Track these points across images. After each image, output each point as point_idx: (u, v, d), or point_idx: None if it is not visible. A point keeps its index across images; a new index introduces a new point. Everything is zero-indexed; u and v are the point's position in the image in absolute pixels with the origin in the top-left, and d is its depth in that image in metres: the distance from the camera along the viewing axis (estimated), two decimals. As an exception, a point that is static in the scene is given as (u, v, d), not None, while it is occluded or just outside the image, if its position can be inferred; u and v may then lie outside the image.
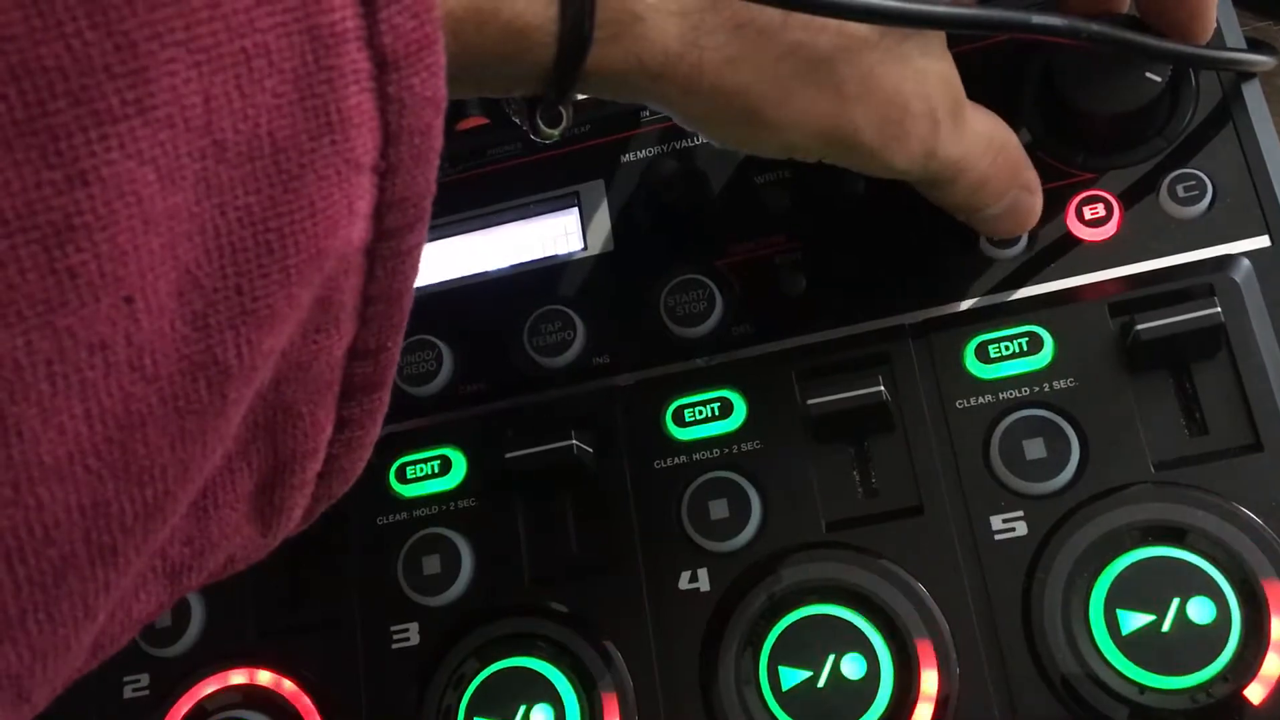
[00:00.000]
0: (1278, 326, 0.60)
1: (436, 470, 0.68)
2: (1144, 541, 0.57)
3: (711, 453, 0.65)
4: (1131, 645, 0.56)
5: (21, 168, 0.27)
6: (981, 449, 0.61)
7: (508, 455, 0.65)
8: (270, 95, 0.30)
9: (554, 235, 0.73)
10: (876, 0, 0.47)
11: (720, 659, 0.61)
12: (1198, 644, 0.55)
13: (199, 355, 0.31)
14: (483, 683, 0.63)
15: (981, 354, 0.62)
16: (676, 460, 0.65)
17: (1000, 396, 0.62)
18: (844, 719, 0.58)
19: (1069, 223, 0.64)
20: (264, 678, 0.66)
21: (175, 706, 0.66)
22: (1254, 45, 0.64)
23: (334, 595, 0.67)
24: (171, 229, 0.29)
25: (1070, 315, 0.62)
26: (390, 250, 0.35)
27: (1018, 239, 0.64)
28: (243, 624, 0.68)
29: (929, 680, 0.58)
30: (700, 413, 0.65)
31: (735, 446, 0.65)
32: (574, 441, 0.64)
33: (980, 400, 0.62)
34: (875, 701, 0.58)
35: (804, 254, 0.68)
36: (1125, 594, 0.56)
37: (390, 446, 0.68)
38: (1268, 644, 0.54)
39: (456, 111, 0.80)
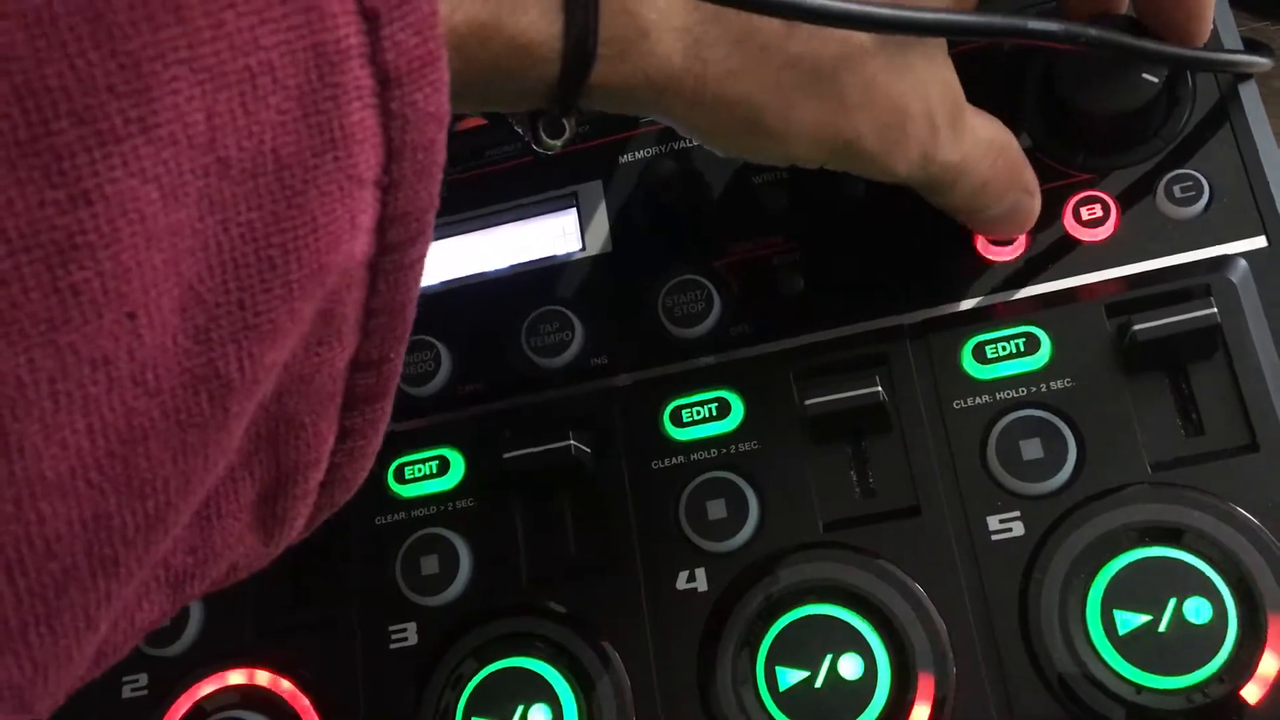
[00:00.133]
0: (1274, 327, 0.60)
1: (435, 470, 0.68)
2: (1141, 542, 0.58)
3: (709, 453, 0.65)
4: (1128, 645, 0.56)
5: (25, 187, 0.27)
6: (979, 449, 0.61)
7: (506, 455, 0.65)
8: (274, 112, 0.31)
9: (552, 236, 0.73)
10: (875, 9, 0.47)
11: (718, 659, 0.61)
12: (1194, 644, 0.55)
13: (201, 369, 0.31)
14: (481, 683, 0.63)
15: (979, 354, 0.62)
16: (674, 460, 0.65)
17: (997, 397, 0.62)
18: (841, 719, 0.59)
19: (1066, 223, 0.64)
20: (262, 678, 0.66)
21: (174, 706, 0.67)
22: (1251, 46, 0.64)
23: (332, 595, 0.67)
24: (174, 245, 0.29)
25: (1067, 316, 0.62)
26: (392, 264, 0.35)
27: (1014, 239, 0.64)
28: (241, 624, 0.68)
29: (926, 681, 0.58)
30: (698, 413, 0.65)
31: (733, 447, 0.65)
32: (572, 442, 0.64)
33: (977, 401, 0.62)
34: (872, 701, 0.58)
35: (802, 254, 0.68)
36: (1122, 594, 0.56)
37: (389, 447, 0.68)
38: (1264, 644, 0.54)
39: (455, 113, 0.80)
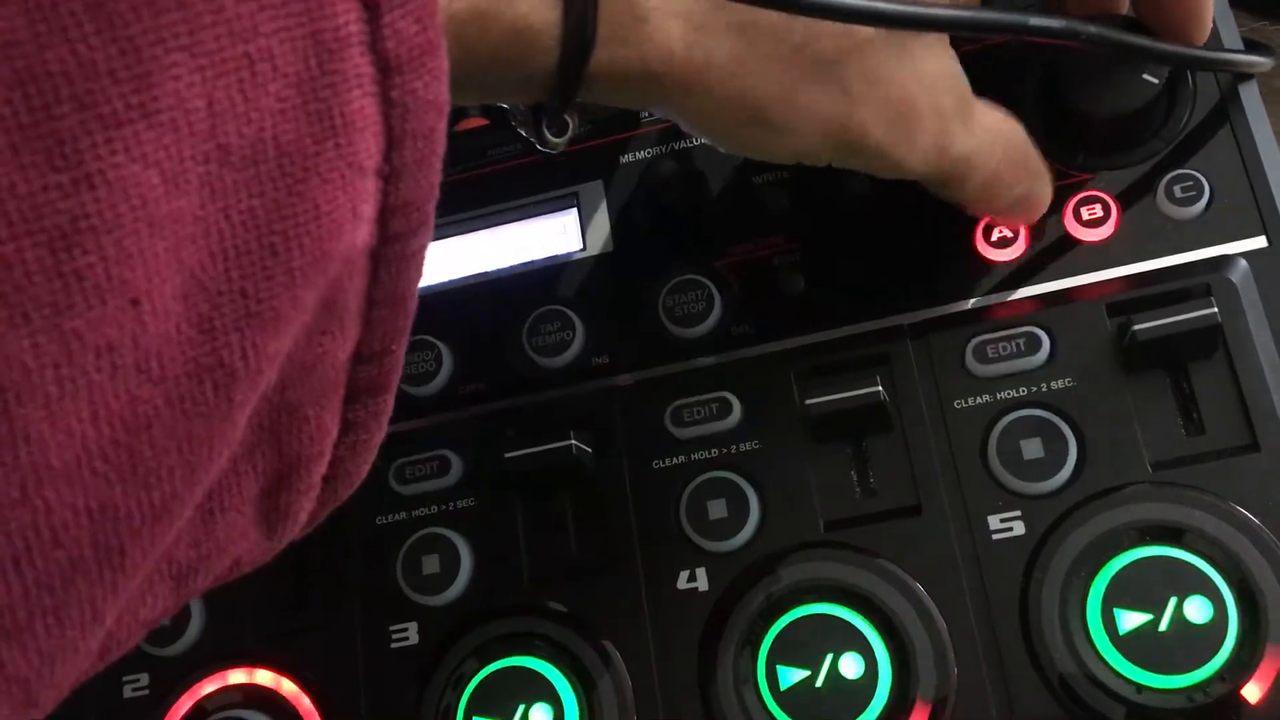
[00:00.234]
0: (1274, 327, 0.60)
1: (435, 470, 0.68)
2: (1141, 541, 0.58)
3: (710, 453, 0.65)
4: (1129, 644, 0.56)
5: (27, 171, 0.27)
6: (979, 449, 0.61)
7: (507, 455, 0.65)
8: (274, 99, 0.31)
9: (553, 236, 0.73)
10: (875, 3, 0.47)
11: (718, 658, 0.61)
12: (1195, 643, 0.55)
13: (205, 358, 0.31)
14: (482, 682, 0.63)
15: (979, 354, 0.62)
16: (675, 460, 0.65)
17: (998, 396, 0.62)
18: (842, 718, 0.58)
19: (1067, 223, 0.64)
20: (263, 677, 0.66)
21: (175, 706, 0.67)
22: (1251, 46, 0.64)
23: (333, 595, 0.67)
24: (176, 232, 0.29)
25: (1068, 315, 0.62)
26: (394, 254, 0.36)
27: (1015, 239, 0.64)
28: (242, 624, 0.68)
29: (927, 680, 0.58)
30: (699, 413, 0.65)
31: (734, 446, 0.65)
32: (573, 441, 0.64)
33: (978, 400, 0.62)
34: (873, 701, 0.58)
35: (803, 254, 0.68)
36: (1122, 593, 0.56)
37: (390, 446, 0.68)
38: (1264, 643, 0.54)
39: (456, 112, 0.80)
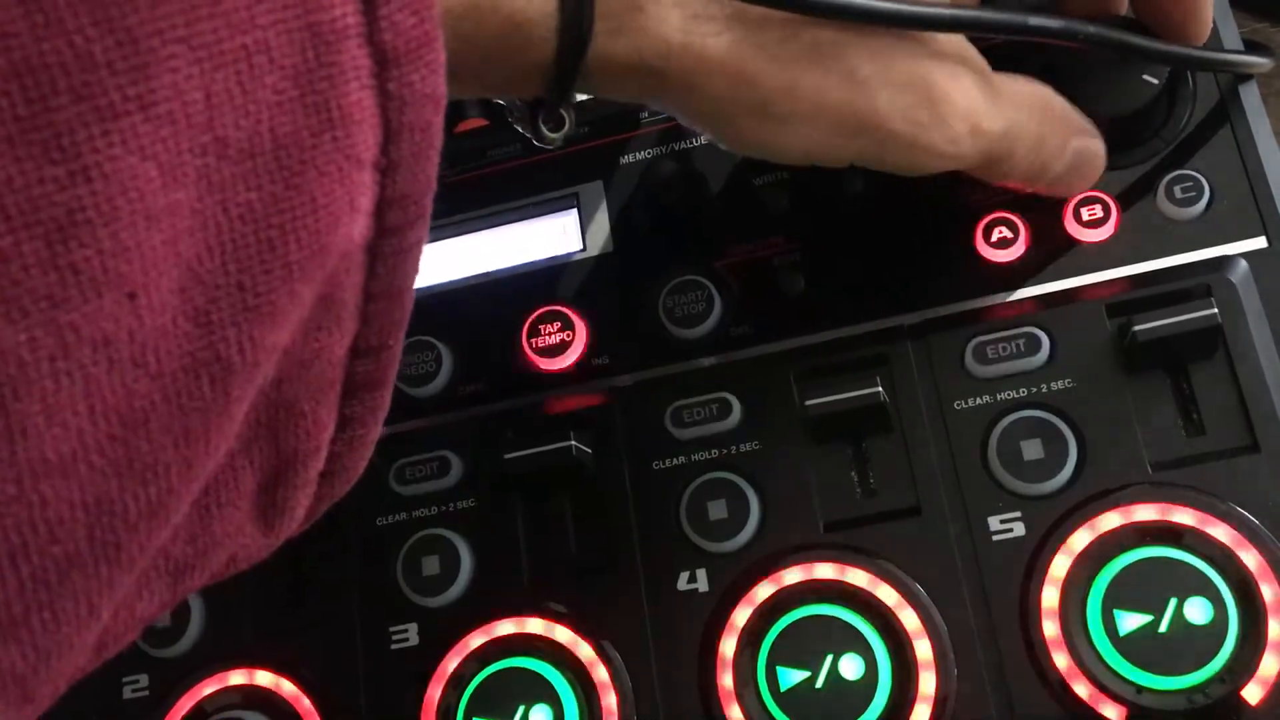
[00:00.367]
0: (1274, 327, 0.60)
1: (435, 471, 0.68)
2: (1141, 542, 0.57)
3: (710, 453, 0.65)
4: (1129, 645, 0.56)
5: (24, 163, 0.27)
6: (979, 450, 0.61)
7: (507, 456, 0.65)
8: (271, 92, 0.31)
9: (553, 236, 0.73)
10: (874, 2, 0.47)
11: (719, 659, 0.61)
12: (1195, 644, 0.55)
13: (202, 352, 0.31)
14: (482, 683, 0.63)
15: (979, 355, 0.62)
16: (675, 461, 0.65)
17: (998, 397, 0.62)
18: (842, 719, 0.58)
19: (1067, 223, 0.64)
20: (263, 678, 0.66)
21: (175, 707, 0.66)
22: (1251, 47, 0.64)
23: (333, 596, 0.67)
24: (174, 225, 0.29)
25: (1068, 316, 0.62)
26: (391, 247, 0.36)
27: (1015, 240, 0.64)
28: (242, 625, 0.68)
29: (927, 681, 0.58)
30: (699, 413, 0.65)
31: (734, 447, 0.65)
32: (573, 442, 0.64)
33: (978, 401, 0.62)
34: (873, 702, 0.58)
35: (803, 255, 0.68)
36: (1123, 594, 0.56)
37: (389, 447, 0.68)
38: (1265, 644, 0.54)
39: (456, 113, 0.80)
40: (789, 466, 0.63)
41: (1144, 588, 0.56)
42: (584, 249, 0.72)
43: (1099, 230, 0.63)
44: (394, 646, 0.66)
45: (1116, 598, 0.56)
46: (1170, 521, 0.57)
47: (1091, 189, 0.64)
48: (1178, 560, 0.56)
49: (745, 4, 0.47)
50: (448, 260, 0.74)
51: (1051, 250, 0.64)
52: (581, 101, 0.49)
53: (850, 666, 0.59)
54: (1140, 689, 0.55)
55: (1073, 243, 0.64)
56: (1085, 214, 0.64)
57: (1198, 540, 0.57)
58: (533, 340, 0.70)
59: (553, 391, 0.69)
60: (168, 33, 0.28)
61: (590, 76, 0.47)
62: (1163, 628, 0.56)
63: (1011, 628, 0.58)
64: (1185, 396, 0.60)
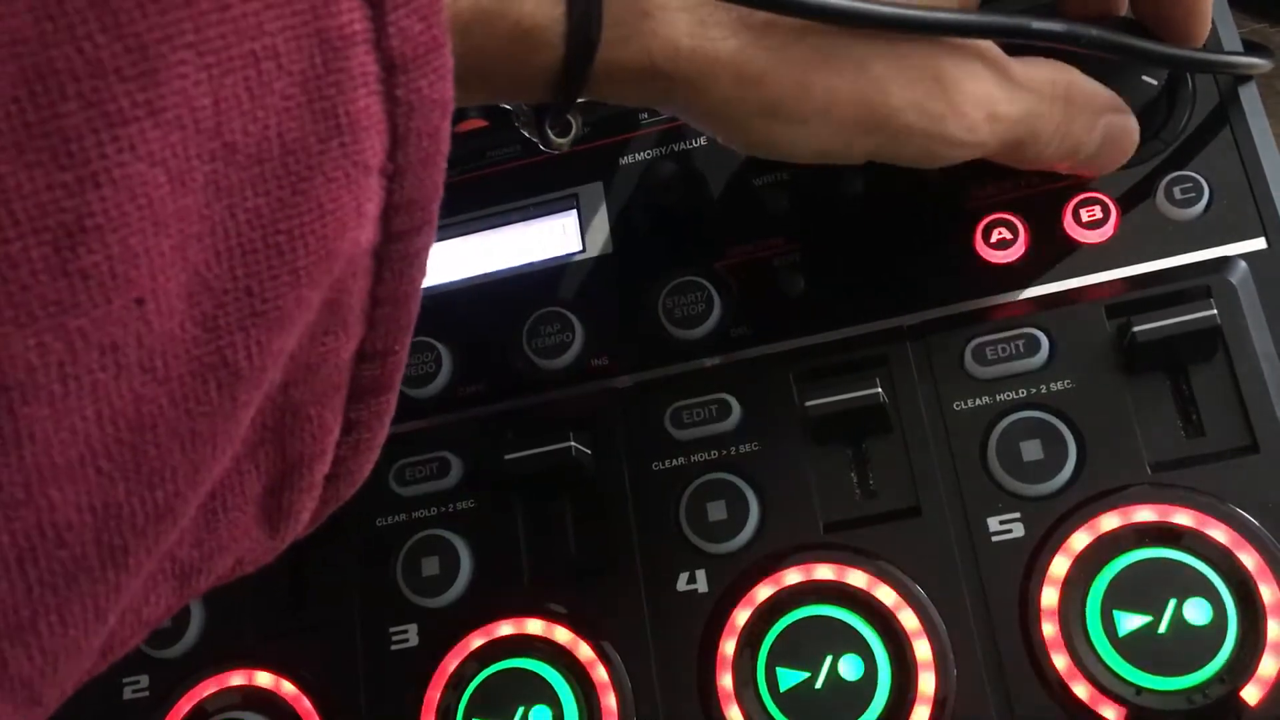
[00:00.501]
0: (1274, 328, 0.60)
1: (435, 472, 0.68)
2: (1141, 543, 0.57)
3: (710, 454, 0.65)
4: (1128, 646, 0.56)
5: (33, 169, 0.27)
6: (979, 450, 0.61)
7: (506, 457, 0.65)
8: (279, 98, 0.31)
9: (553, 237, 0.73)
10: (878, 7, 0.47)
11: (718, 660, 0.61)
12: (1194, 645, 0.55)
13: (209, 357, 0.31)
14: (481, 684, 0.63)
15: (979, 355, 0.62)
16: (675, 462, 0.65)
17: (998, 398, 0.62)
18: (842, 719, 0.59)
19: (1066, 225, 0.64)
20: (263, 679, 0.66)
21: (175, 708, 0.66)
22: (1250, 48, 0.64)
23: (333, 597, 0.68)
24: (182, 231, 0.29)
25: (1067, 317, 0.62)
26: (398, 253, 0.36)
27: (1014, 240, 0.64)
28: (242, 625, 0.68)
29: (926, 681, 0.58)
30: (698, 414, 0.65)
31: (733, 448, 0.65)
32: (572, 443, 0.64)
33: (977, 402, 0.62)
34: (873, 703, 0.58)
35: (802, 256, 0.68)
36: (1122, 595, 0.56)
37: (389, 447, 0.68)
38: (1264, 645, 0.54)
39: (456, 114, 0.80)
40: (789, 467, 0.63)
41: (1143, 588, 0.56)
42: (583, 250, 0.72)
43: (1098, 231, 0.64)
44: (394, 647, 0.66)
45: (1116, 598, 0.56)
46: (1169, 522, 0.57)
47: (1091, 190, 0.64)
48: (1177, 561, 0.56)
49: (750, 9, 0.47)
50: (448, 261, 0.74)
51: (1051, 251, 0.64)
52: (582, 103, 0.49)
53: (850, 667, 0.59)
54: (1139, 689, 0.55)
55: (1072, 244, 0.64)
56: (1085, 215, 0.64)
57: (1197, 541, 0.57)
58: (532, 341, 0.70)
59: (552, 392, 0.69)
60: (176, 39, 0.28)
61: (597, 82, 0.47)
62: (1162, 628, 0.56)
63: (1011, 628, 0.58)
64: (1185, 397, 0.60)
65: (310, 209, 0.32)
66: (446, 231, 0.74)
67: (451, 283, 0.74)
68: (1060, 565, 0.58)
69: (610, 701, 0.62)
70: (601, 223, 0.72)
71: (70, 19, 0.27)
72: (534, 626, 0.64)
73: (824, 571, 0.61)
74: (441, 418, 0.71)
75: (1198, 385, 0.60)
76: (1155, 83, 0.62)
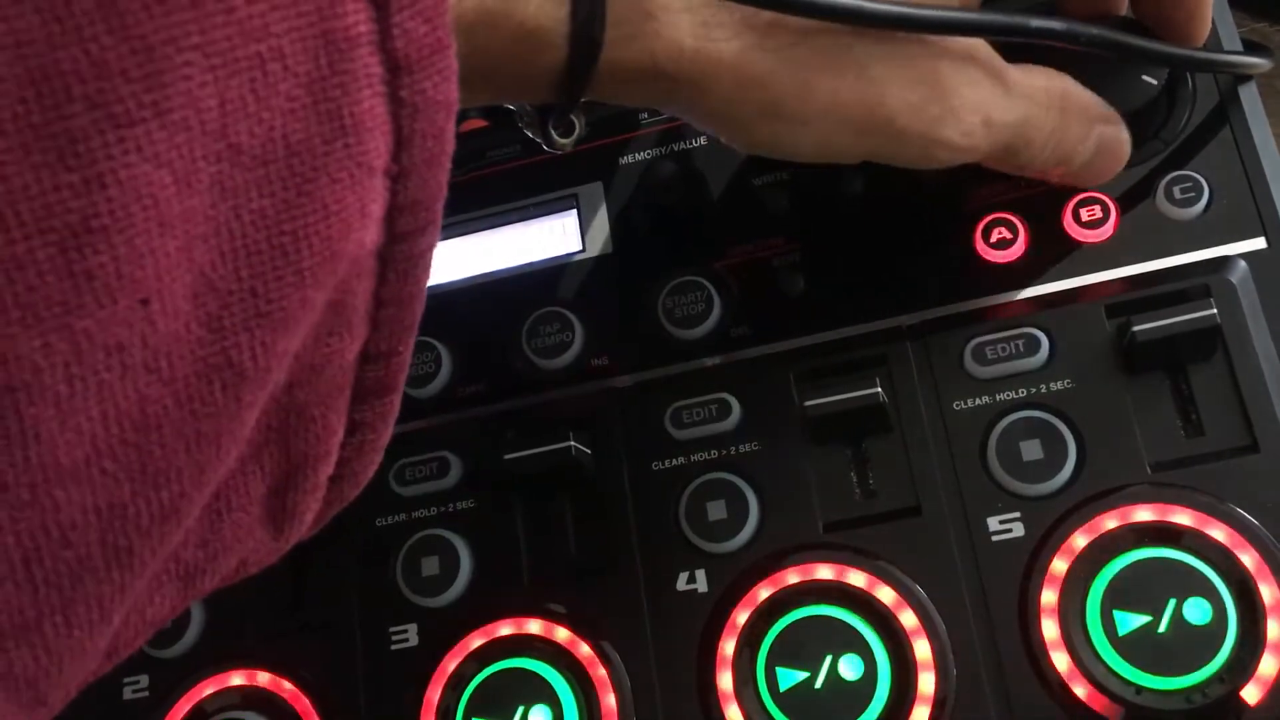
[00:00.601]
0: (1274, 328, 0.60)
1: (435, 471, 0.68)
2: (1140, 542, 0.57)
3: (709, 454, 0.65)
4: (1128, 646, 0.56)
5: (39, 170, 0.27)
6: (979, 450, 0.61)
7: (506, 457, 0.65)
8: (284, 99, 0.31)
9: (553, 237, 0.73)
10: (879, 6, 0.47)
11: (718, 660, 0.61)
12: (1194, 645, 0.55)
13: (214, 358, 0.31)
14: (481, 684, 0.63)
15: (978, 355, 0.62)
16: (674, 462, 0.65)
17: (997, 398, 0.62)
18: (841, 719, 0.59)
19: (1066, 224, 0.64)
20: (263, 679, 0.66)
21: (175, 708, 0.66)
22: (1250, 47, 0.64)
23: (333, 597, 0.68)
24: (187, 232, 0.29)
25: (1067, 316, 0.62)
26: (402, 254, 0.36)
27: (1014, 240, 0.64)
28: (242, 625, 0.68)
29: (926, 681, 0.58)
30: (698, 414, 0.65)
31: (733, 448, 0.65)
32: (572, 443, 0.64)
33: (977, 401, 0.62)
34: (872, 702, 0.58)
35: (802, 256, 0.68)
36: (1122, 595, 0.56)
37: (389, 447, 0.68)
38: (1263, 645, 0.54)
39: (457, 114, 0.80)
40: (788, 467, 0.63)
41: (1143, 588, 0.56)
42: (583, 250, 0.72)
43: (1098, 231, 0.64)
44: (393, 647, 0.66)
45: (1115, 598, 0.57)
46: (1169, 522, 0.57)
47: (1090, 190, 0.64)
48: (1177, 561, 0.56)
49: (754, 9, 0.47)
50: (448, 261, 0.74)
51: (1051, 251, 0.64)
52: (585, 103, 0.49)
53: (849, 667, 0.59)
54: (1139, 689, 0.55)
55: (1072, 243, 0.64)
56: (1084, 214, 0.64)
57: (1197, 541, 0.57)
58: (532, 341, 0.70)
59: (552, 392, 0.69)
60: (182, 40, 0.28)
61: (601, 82, 0.47)
62: (1162, 628, 0.56)
63: (1010, 628, 0.58)
64: (1184, 397, 0.60)
65: (315, 210, 0.32)
66: (447, 231, 0.74)
67: (451, 282, 0.74)
68: (1060, 565, 0.58)
69: (610, 701, 0.62)
70: (601, 222, 0.72)
71: (77, 20, 0.27)
72: (534, 626, 0.64)
73: (824, 571, 0.61)
74: (441, 417, 0.71)
75: (1197, 385, 0.60)
76: (1155, 82, 0.62)
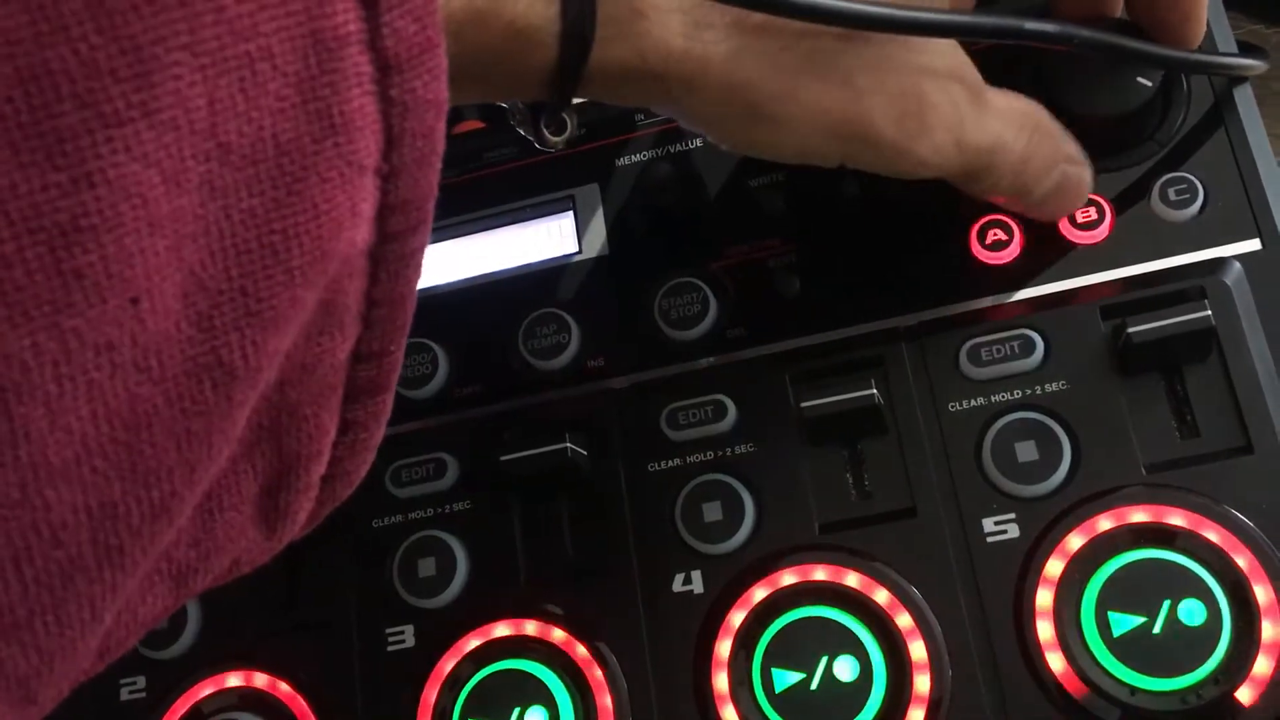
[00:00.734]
0: (1268, 329, 0.60)
1: (432, 473, 0.68)
2: (1135, 544, 0.57)
3: (705, 455, 0.65)
4: (1123, 647, 0.56)
5: (28, 169, 0.27)
6: (974, 451, 0.61)
7: (503, 458, 0.65)
8: (273, 98, 0.31)
9: (549, 239, 0.73)
10: (871, 8, 0.47)
11: (714, 661, 0.61)
12: (1189, 646, 0.55)
13: (204, 357, 0.31)
14: (478, 685, 0.63)
15: (974, 356, 0.62)
16: (670, 463, 0.65)
17: (992, 399, 0.62)
18: (837, 720, 0.59)
19: (1061, 226, 0.64)
20: (260, 680, 0.66)
21: (172, 709, 0.67)
22: (1245, 49, 0.64)
23: (330, 598, 0.68)
24: (176, 231, 0.29)
25: (1062, 318, 0.62)
26: (393, 253, 0.36)
27: (1009, 242, 0.64)
28: (239, 626, 0.68)
29: (921, 682, 0.58)
30: (694, 415, 0.65)
31: (729, 449, 0.65)
32: (569, 444, 0.64)
33: (972, 403, 0.62)
34: (868, 703, 0.58)
35: (798, 257, 0.68)
36: (1117, 596, 0.56)
37: (386, 448, 0.68)
38: (1258, 646, 0.54)
39: (453, 115, 0.80)
40: (784, 468, 0.64)
41: (1138, 589, 0.56)
42: (580, 251, 0.72)
43: (1093, 232, 0.64)
44: (390, 648, 0.66)
45: (1110, 599, 0.57)
46: (1164, 523, 0.57)
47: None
48: (1171, 562, 0.57)
49: (745, 11, 0.47)
50: (444, 262, 0.74)
51: (1046, 252, 0.64)
52: (578, 104, 0.49)
53: (845, 668, 0.59)
54: (1134, 690, 0.55)
55: (1067, 245, 0.64)
56: (1080, 216, 0.64)
57: (1191, 542, 0.57)
58: (529, 342, 0.70)
59: (549, 393, 0.69)
60: (171, 40, 0.28)
61: (592, 81, 0.47)
62: (1156, 629, 0.56)
63: (1006, 629, 0.58)
64: (1179, 398, 0.60)
65: (305, 209, 0.32)
66: (443, 233, 0.74)
67: (448, 284, 0.74)
68: (1055, 566, 0.58)
69: (606, 702, 0.62)
70: (598, 224, 0.72)
71: (65, 20, 0.27)
72: (530, 627, 0.64)
73: (819, 572, 0.61)
74: (438, 419, 0.71)
75: (1192, 386, 0.60)
76: (1150, 84, 0.62)
